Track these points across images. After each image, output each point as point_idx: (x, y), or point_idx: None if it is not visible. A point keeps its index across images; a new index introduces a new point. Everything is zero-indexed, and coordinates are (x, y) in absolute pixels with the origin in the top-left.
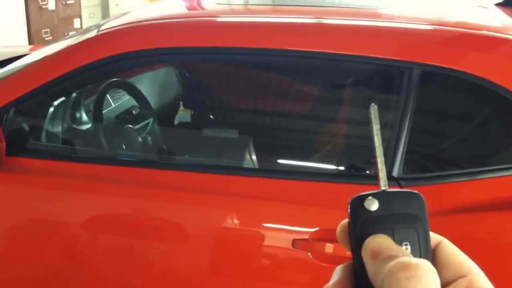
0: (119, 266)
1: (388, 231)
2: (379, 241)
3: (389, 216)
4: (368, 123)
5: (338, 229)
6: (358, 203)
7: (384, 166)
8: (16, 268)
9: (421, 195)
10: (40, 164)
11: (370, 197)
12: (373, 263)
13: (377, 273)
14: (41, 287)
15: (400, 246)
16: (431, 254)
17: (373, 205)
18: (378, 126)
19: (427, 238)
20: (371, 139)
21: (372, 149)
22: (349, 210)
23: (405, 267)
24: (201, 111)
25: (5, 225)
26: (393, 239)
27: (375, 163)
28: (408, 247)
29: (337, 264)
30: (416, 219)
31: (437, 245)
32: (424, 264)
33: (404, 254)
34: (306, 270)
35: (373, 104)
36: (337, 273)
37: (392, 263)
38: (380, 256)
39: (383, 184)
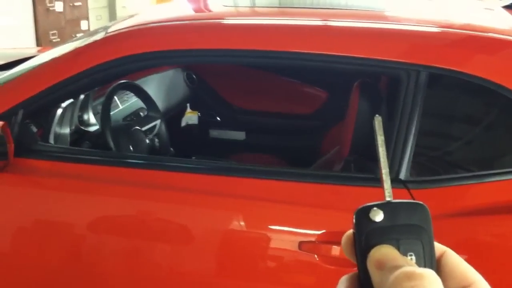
0: (126, 268)
1: (393, 242)
2: (384, 252)
3: (394, 227)
4: (373, 126)
5: (343, 240)
6: (363, 214)
7: (388, 177)
8: (22, 269)
9: (426, 206)
10: (48, 166)
11: (375, 208)
12: (379, 273)
13: (383, 283)
14: None
15: (405, 257)
16: (435, 264)
17: (378, 216)
18: (383, 137)
19: (431, 248)
20: (376, 150)
21: (377, 160)
22: (354, 221)
23: (409, 276)
24: (208, 113)
25: (13, 226)
26: (398, 249)
27: (380, 174)
28: (413, 257)
29: (344, 266)
30: (421, 229)
31: (442, 255)
32: (429, 274)
33: (409, 264)
34: (313, 272)
35: (377, 115)
36: (342, 283)
37: (397, 272)
38: (385, 267)
39: (388, 195)
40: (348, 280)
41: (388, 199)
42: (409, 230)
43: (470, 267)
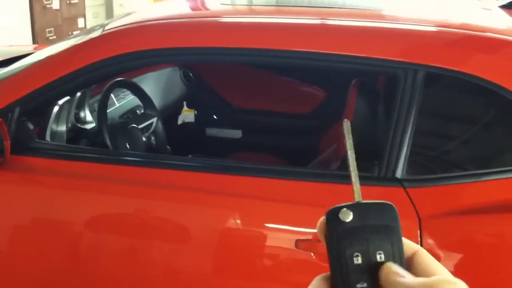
0: (123, 266)
1: (362, 241)
2: (394, 268)
3: (364, 227)
4: (342, 130)
5: (317, 227)
6: (333, 215)
7: (357, 179)
8: (19, 268)
9: (394, 205)
10: (44, 163)
11: (344, 209)
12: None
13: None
14: (46, 286)
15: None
16: (405, 263)
17: (348, 217)
18: (351, 141)
19: (400, 247)
20: (345, 152)
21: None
22: (325, 222)
23: (451, 282)
24: (205, 111)
25: (9, 224)
26: (368, 248)
27: (349, 176)
28: (382, 256)
29: None
30: (390, 229)
31: (414, 254)
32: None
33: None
34: (309, 270)
35: (345, 120)
36: (313, 285)
37: (439, 278)
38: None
39: (357, 196)
40: (319, 280)
41: (357, 199)
42: (378, 230)
43: (442, 268)
